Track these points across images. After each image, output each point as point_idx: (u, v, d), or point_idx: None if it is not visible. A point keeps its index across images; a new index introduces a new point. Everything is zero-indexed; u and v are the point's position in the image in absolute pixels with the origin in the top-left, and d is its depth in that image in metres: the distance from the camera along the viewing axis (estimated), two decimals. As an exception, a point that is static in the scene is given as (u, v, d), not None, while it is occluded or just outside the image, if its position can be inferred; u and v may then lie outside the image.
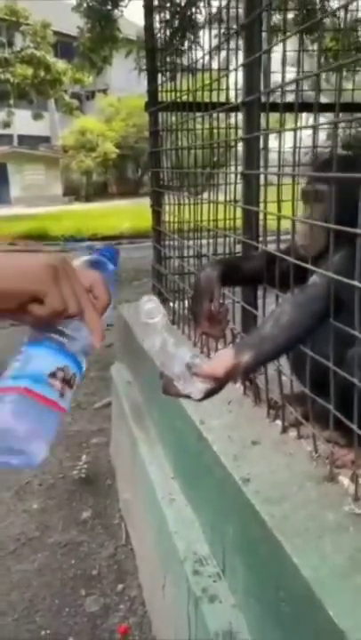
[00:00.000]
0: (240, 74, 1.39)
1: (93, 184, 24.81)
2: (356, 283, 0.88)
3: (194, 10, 2.87)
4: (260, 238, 1.40)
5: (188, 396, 0.94)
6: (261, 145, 1.40)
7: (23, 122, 18.86)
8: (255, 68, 1.34)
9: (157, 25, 2.40)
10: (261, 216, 1.38)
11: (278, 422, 1.31)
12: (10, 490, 2.67)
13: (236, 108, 1.55)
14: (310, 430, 1.17)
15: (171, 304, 2.27)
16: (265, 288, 1.29)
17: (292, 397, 1.28)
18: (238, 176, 1.53)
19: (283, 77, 1.13)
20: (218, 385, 0.95)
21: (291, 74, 1.31)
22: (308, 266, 1.04)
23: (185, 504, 1.59)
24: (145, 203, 3.28)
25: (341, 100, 1.11)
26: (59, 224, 13.11)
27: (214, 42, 1.69)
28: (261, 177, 1.37)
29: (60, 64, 15.60)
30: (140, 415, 2.22)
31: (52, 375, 0.56)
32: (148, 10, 2.37)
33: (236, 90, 1.59)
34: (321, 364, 1.08)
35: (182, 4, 3.81)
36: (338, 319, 1.02)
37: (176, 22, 2.68)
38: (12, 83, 15.23)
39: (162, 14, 2.51)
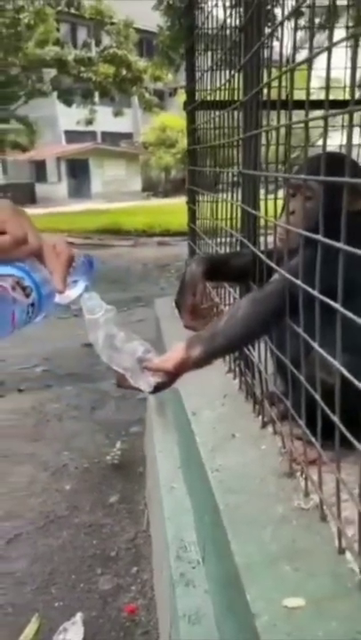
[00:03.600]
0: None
1: (172, 180, 25.11)
2: (300, 283, 0.90)
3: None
4: (261, 237, 1.43)
5: (139, 389, 0.99)
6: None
7: (107, 119, 19.43)
8: (253, 67, 1.36)
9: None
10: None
11: (261, 417, 1.33)
12: (47, 470, 2.83)
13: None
14: (283, 427, 1.19)
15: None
16: (250, 285, 1.32)
17: (275, 394, 1.30)
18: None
19: (279, 75, 1.14)
20: (168, 379, 0.99)
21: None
22: (271, 263, 1.06)
23: (184, 493, 1.64)
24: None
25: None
26: (133, 219, 13.43)
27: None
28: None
29: (141, 62, 15.92)
30: (163, 406, 2.29)
31: (6, 276, 0.58)
32: (188, 9, 2.42)
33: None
34: (298, 363, 1.09)
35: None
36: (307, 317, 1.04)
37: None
38: (94, 81, 15.73)
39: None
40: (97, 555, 2.20)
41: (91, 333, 0.94)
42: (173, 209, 15.49)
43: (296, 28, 0.96)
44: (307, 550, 0.89)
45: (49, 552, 2.22)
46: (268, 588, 0.83)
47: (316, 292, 0.86)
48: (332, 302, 0.81)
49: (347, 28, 2.43)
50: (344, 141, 1.44)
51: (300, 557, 0.88)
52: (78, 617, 1.86)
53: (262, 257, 1.12)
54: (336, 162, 1.07)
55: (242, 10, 1.43)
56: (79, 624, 1.84)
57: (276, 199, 1.27)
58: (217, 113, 1.93)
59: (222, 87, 1.77)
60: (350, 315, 0.79)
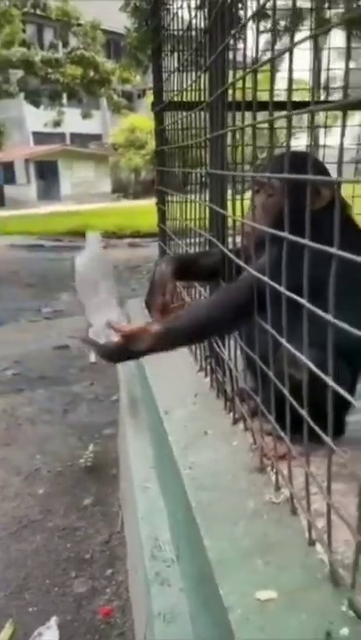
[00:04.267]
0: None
1: (142, 181, 25.09)
2: (267, 280, 0.91)
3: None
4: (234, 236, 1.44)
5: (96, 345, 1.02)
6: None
7: (75, 120, 19.27)
8: (218, 68, 1.37)
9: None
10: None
11: (232, 414, 1.35)
12: (20, 474, 2.79)
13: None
14: (253, 423, 1.20)
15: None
16: (220, 284, 1.33)
17: (245, 391, 1.32)
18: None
19: (243, 75, 1.16)
20: (124, 343, 1.00)
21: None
22: (239, 262, 1.07)
23: (157, 493, 1.64)
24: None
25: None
26: (103, 221, 13.37)
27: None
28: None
29: (109, 64, 15.87)
30: (135, 406, 2.29)
31: None
32: (154, 10, 2.42)
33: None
34: (267, 359, 1.11)
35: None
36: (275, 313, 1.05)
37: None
38: (62, 82, 15.62)
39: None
40: (71, 558, 2.18)
41: (82, 275, 0.98)
42: (144, 210, 15.45)
43: (258, 30, 0.97)
44: (278, 543, 0.90)
45: (22, 557, 2.19)
46: (240, 582, 0.84)
47: (283, 289, 0.88)
48: (299, 298, 0.82)
49: (310, 30, 2.47)
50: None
51: (271, 551, 0.89)
52: (53, 621, 1.85)
53: (231, 255, 1.13)
54: (298, 160, 1.09)
55: (207, 11, 1.44)
56: (54, 628, 1.82)
57: (243, 199, 1.29)
58: (184, 114, 1.94)
59: (189, 88, 1.78)
60: (317, 310, 0.81)
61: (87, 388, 3.90)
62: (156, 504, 1.60)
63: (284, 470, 1.01)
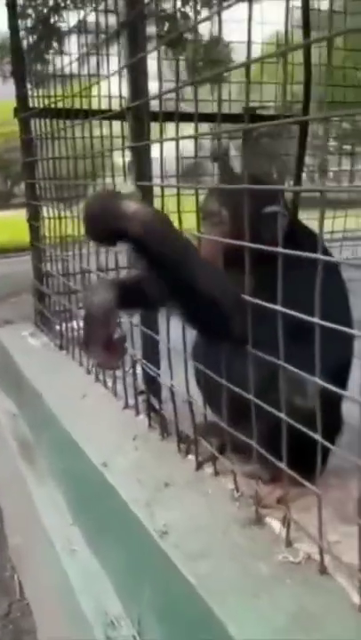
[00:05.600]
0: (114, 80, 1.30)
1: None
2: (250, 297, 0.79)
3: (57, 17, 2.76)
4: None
5: None
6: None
7: None
8: (141, 71, 1.22)
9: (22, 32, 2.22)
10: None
11: (191, 457, 1.19)
12: None
13: (120, 116, 1.42)
14: (229, 465, 1.07)
15: (57, 327, 2.09)
16: (168, 310, 1.17)
17: (205, 428, 1.18)
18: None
19: (181, 84, 1.03)
20: None
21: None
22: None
23: (89, 555, 1.42)
24: (18, 214, 3.07)
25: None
26: None
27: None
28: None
29: None
30: (29, 450, 2.00)
31: None
32: (12, 9, 2.18)
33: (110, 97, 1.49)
34: (235, 391, 0.98)
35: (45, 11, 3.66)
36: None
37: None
38: None
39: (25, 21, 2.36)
40: (-33, 644, 1.83)
41: None
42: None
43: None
44: (320, 616, 0.77)
45: None
46: None
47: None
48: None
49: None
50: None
51: (316, 626, 0.76)
52: None
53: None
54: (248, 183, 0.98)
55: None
56: None
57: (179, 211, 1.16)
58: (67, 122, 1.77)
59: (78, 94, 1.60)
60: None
61: None
62: (91, 570, 1.37)
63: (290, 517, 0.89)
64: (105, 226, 0.98)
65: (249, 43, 0.77)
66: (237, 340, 0.91)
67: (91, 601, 1.27)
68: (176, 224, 1.06)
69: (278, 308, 0.79)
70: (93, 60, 2.12)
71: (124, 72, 1.25)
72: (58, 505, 1.65)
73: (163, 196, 1.21)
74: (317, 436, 0.78)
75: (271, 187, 1.13)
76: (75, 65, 1.80)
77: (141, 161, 1.24)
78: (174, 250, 0.96)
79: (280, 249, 0.77)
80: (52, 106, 1.89)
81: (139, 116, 1.23)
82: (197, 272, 0.96)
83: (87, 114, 1.66)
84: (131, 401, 1.47)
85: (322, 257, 0.70)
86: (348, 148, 5.28)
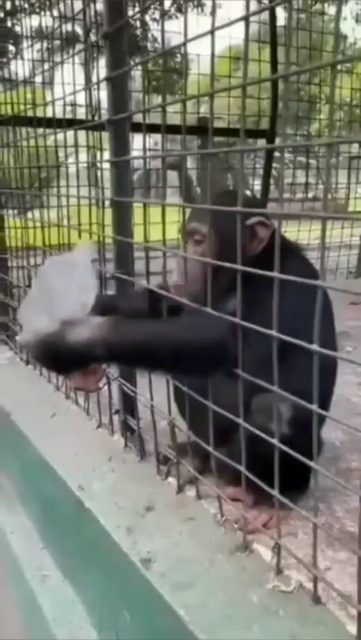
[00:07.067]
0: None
1: None
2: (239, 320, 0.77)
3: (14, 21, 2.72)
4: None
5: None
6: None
7: None
8: (122, 83, 1.19)
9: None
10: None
11: (171, 480, 1.16)
12: None
13: (99, 127, 1.39)
14: (213, 489, 1.04)
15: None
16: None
17: (184, 449, 1.15)
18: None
19: (165, 97, 1.00)
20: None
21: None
22: (208, 310, 0.91)
23: (61, 580, 1.36)
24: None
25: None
26: None
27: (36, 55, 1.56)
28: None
29: None
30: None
31: None
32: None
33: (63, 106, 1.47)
34: (217, 412, 0.96)
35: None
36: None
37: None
38: None
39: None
40: None
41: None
42: None
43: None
44: (316, 646, 0.75)
45: None
46: None
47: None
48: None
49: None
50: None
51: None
52: None
53: (189, 304, 0.96)
54: (227, 200, 0.96)
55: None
56: None
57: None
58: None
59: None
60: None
61: None
62: (65, 597, 1.32)
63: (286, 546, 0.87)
64: (65, 367, 1.00)
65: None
66: (233, 363, 0.88)
67: (63, 631, 1.23)
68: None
69: (270, 331, 0.77)
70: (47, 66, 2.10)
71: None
72: (27, 530, 1.58)
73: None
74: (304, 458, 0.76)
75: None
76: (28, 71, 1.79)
77: (121, 174, 1.21)
78: (143, 341, 0.96)
79: (276, 273, 0.75)
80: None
81: (121, 129, 1.20)
82: (174, 336, 0.97)
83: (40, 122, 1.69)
84: (105, 419, 1.42)
85: (319, 283, 0.69)
86: (302, 160, 5.44)
